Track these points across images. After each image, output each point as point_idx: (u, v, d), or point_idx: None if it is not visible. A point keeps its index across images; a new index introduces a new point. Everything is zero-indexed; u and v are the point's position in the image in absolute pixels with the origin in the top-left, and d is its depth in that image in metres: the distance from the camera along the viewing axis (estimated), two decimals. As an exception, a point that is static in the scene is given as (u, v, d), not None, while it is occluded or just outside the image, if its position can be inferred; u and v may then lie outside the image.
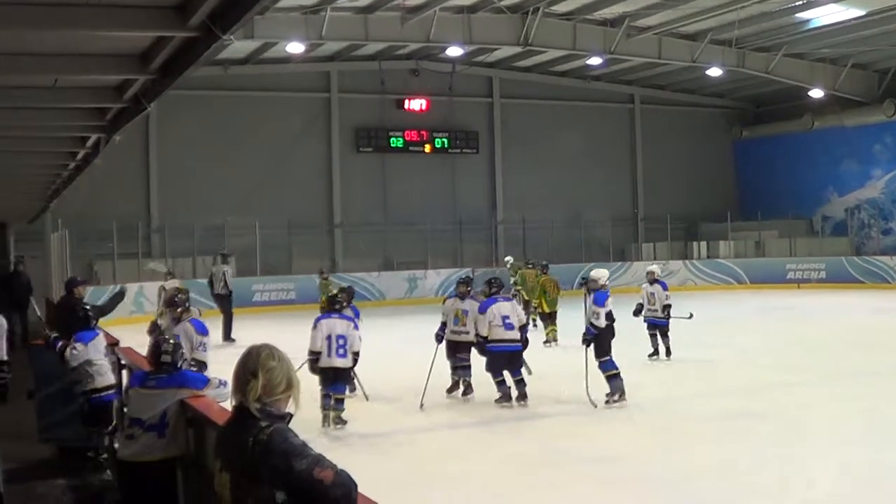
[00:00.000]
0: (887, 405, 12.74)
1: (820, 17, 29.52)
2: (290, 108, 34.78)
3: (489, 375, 13.51)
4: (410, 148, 36.51)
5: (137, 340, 12.53)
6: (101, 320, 14.14)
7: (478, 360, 13.84)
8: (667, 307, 17.25)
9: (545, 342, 19.51)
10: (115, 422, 9.79)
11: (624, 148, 40.75)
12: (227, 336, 21.31)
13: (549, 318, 20.19)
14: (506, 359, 13.35)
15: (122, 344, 10.63)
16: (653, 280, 17.71)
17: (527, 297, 21.51)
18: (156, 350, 6.98)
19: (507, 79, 37.93)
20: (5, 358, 9.40)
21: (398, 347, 18.56)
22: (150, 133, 31.92)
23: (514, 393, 13.28)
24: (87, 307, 10.78)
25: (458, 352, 13.87)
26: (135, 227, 30.97)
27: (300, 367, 9.62)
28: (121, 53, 7.56)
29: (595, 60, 33.17)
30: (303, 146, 34.87)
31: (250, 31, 25.36)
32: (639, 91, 40.49)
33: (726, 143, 42.53)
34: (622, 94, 40.43)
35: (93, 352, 9.75)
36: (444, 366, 13.99)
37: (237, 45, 27.83)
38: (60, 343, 9.90)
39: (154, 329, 11.84)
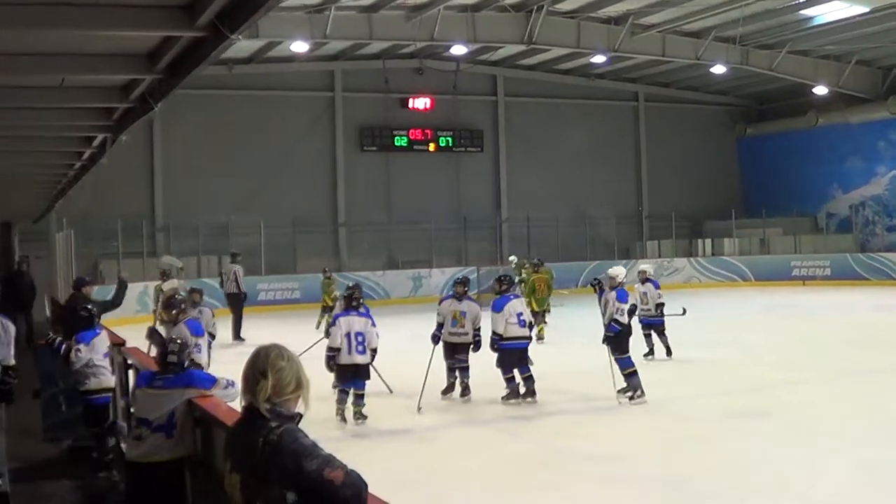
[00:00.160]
0: (891, 403, 12.72)
1: (824, 14, 29.50)
2: (295, 107, 34.79)
3: (486, 376, 13.53)
4: (415, 147, 36.53)
5: (143, 340, 12.58)
6: (111, 316, 14.20)
7: (474, 361, 13.78)
8: (660, 306, 17.15)
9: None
10: (109, 421, 9.81)
11: (628, 146, 40.75)
12: (237, 335, 21.34)
13: (537, 317, 20.16)
14: (517, 356, 13.41)
15: (128, 344, 10.61)
16: (645, 279, 17.51)
17: (536, 309, 21.59)
18: (163, 350, 6.99)
19: (511, 77, 37.93)
20: (13, 363, 9.40)
21: (403, 346, 18.53)
22: (155, 132, 31.93)
23: (522, 390, 13.31)
24: (89, 306, 10.78)
25: (456, 353, 13.76)
26: (139, 227, 31.01)
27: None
28: (128, 53, 7.56)
29: (599, 58, 33.17)
30: (307, 145, 34.88)
31: (255, 31, 25.34)
32: (643, 89, 40.49)
33: (730, 140, 42.52)
34: (626, 91, 40.41)
35: (94, 352, 9.77)
36: (441, 368, 13.90)
37: (241, 45, 27.82)
38: (65, 345, 9.90)
39: (152, 334, 11.86)
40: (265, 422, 3.67)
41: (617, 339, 13.50)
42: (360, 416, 12.32)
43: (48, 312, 21.39)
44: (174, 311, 10.95)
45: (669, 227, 38.41)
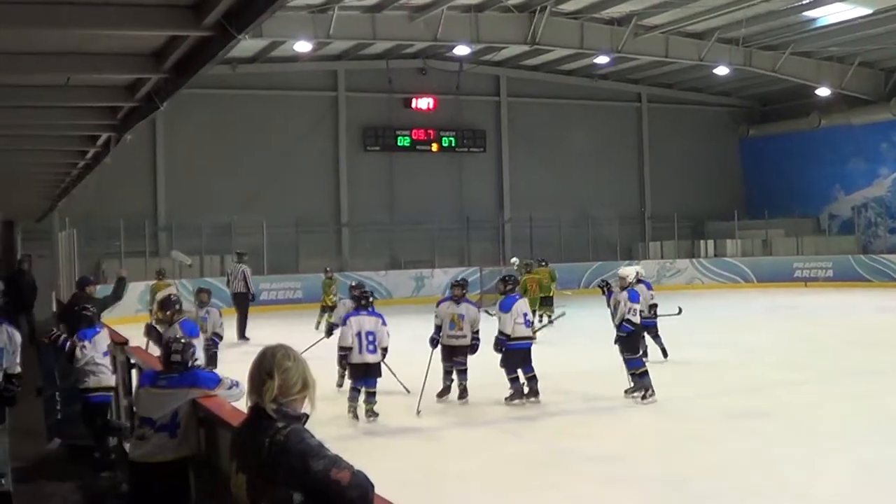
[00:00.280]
0: (892, 403, 12.72)
1: (827, 15, 29.49)
2: (298, 107, 34.77)
3: (489, 377, 13.52)
4: (417, 147, 36.53)
5: (142, 338, 12.58)
6: (112, 315, 14.20)
7: (476, 362, 13.73)
8: (653, 307, 16.98)
9: None
10: (104, 419, 9.81)
11: (631, 146, 40.74)
12: (242, 334, 21.36)
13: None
14: (522, 356, 13.41)
15: (130, 343, 10.62)
16: (636, 280, 17.40)
17: (541, 294, 22.60)
18: (166, 350, 6.99)
19: (514, 77, 37.93)
20: (18, 371, 9.40)
21: (406, 346, 18.46)
22: (158, 131, 31.96)
23: (525, 390, 13.31)
24: (89, 305, 10.80)
25: (454, 355, 13.65)
26: (142, 226, 31.06)
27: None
28: (134, 52, 7.56)
29: (602, 59, 33.15)
30: (310, 145, 34.90)
31: (258, 30, 25.29)
32: (646, 90, 40.50)
33: (733, 141, 42.50)
34: (629, 92, 40.41)
35: (95, 349, 9.78)
36: (439, 370, 13.85)
37: (245, 44, 27.53)
38: (69, 342, 9.91)
39: (150, 331, 11.86)
40: (271, 422, 3.67)
41: (629, 339, 13.53)
42: (371, 413, 12.44)
43: (54, 308, 21.43)
44: (169, 312, 10.93)
45: (672, 227, 38.39)
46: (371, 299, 13.11)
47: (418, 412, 12.77)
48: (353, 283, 16.98)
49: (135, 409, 7.47)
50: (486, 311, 15.42)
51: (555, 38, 29.95)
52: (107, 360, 9.88)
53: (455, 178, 37.10)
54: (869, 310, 26.19)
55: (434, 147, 36.82)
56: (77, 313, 10.59)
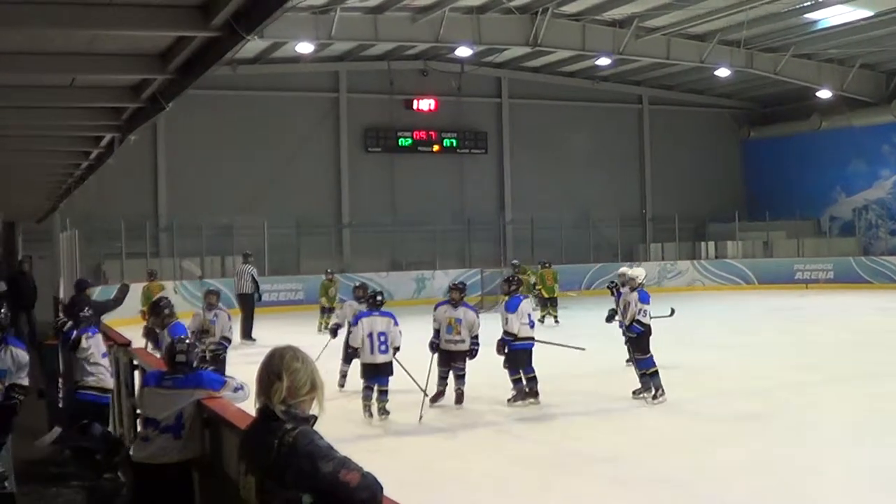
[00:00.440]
0: (894, 405, 12.71)
1: (828, 17, 29.51)
2: (299, 108, 34.77)
3: (491, 378, 13.51)
4: (419, 148, 36.52)
5: (142, 339, 12.59)
6: (114, 317, 14.18)
7: (479, 362, 13.65)
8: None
9: None
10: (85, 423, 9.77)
11: (632, 148, 40.73)
12: (247, 335, 21.32)
13: None
14: (526, 356, 13.42)
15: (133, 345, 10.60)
16: (624, 282, 17.17)
17: (546, 295, 23.34)
18: (171, 350, 6.99)
19: (515, 79, 37.92)
20: (25, 384, 9.36)
21: (407, 347, 18.51)
22: (159, 132, 31.92)
23: (525, 389, 13.32)
24: (86, 308, 10.79)
25: (454, 361, 13.44)
26: (143, 227, 31.02)
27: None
28: (141, 53, 7.54)
29: (604, 61, 33.15)
30: (311, 146, 34.89)
31: (260, 31, 25.32)
32: (647, 91, 40.47)
33: (734, 143, 42.49)
34: (630, 94, 40.41)
35: (97, 347, 9.78)
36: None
37: (247, 45, 27.14)
38: (74, 333, 9.89)
39: (149, 333, 11.84)
40: (280, 424, 3.67)
41: (639, 339, 13.55)
42: (383, 411, 12.52)
43: (62, 300, 21.42)
44: (158, 317, 10.91)
45: (673, 229, 38.35)
46: (381, 299, 13.09)
47: (420, 418, 12.55)
48: (358, 284, 16.99)
49: (139, 409, 7.47)
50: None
51: (556, 39, 29.93)
52: (106, 362, 9.86)
53: (456, 179, 37.09)
54: (870, 311, 26.19)
55: (435, 148, 36.81)
56: (76, 316, 10.59)
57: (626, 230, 38.66)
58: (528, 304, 13.94)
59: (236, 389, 6.73)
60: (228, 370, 12.22)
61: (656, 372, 13.39)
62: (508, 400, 13.32)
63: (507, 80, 37.99)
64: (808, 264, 35.97)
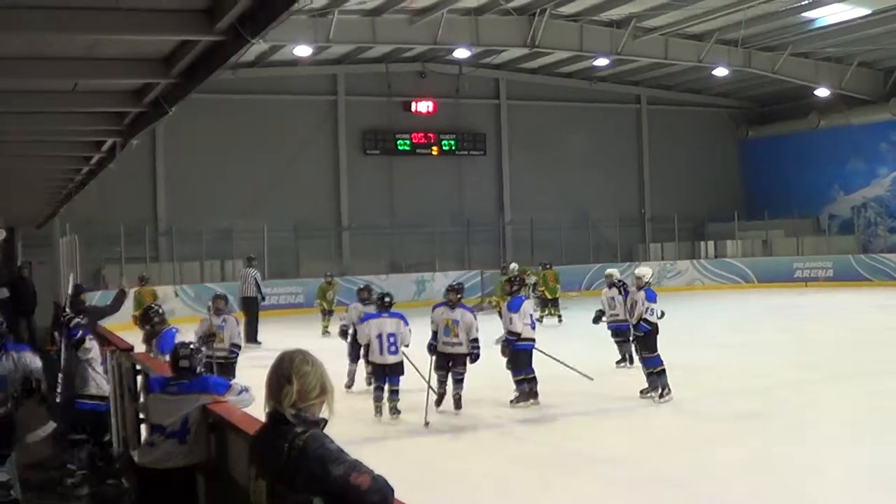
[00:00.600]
0: (894, 403, 12.71)
1: (825, 16, 29.52)
2: (298, 111, 34.76)
3: (491, 379, 13.53)
4: (418, 150, 36.52)
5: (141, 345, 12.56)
6: (115, 322, 14.15)
7: (480, 363, 13.53)
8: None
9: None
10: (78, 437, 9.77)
11: (631, 148, 40.74)
12: (252, 338, 21.24)
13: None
14: (527, 357, 13.44)
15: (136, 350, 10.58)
16: (611, 284, 16.86)
17: (549, 296, 23.50)
18: (174, 356, 6.99)
19: (513, 80, 37.91)
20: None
21: (408, 349, 18.55)
22: (158, 137, 31.84)
23: (525, 390, 13.33)
24: (82, 314, 10.79)
25: (454, 365, 13.21)
26: (142, 232, 31.04)
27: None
28: (144, 57, 7.52)
29: (602, 61, 33.21)
30: (310, 149, 34.87)
31: (265, 34, 25.30)
32: (645, 92, 40.49)
33: (733, 142, 42.51)
34: (629, 94, 40.43)
35: (97, 352, 9.77)
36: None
37: (245, 49, 27.78)
38: (79, 332, 9.88)
39: (149, 339, 11.83)
40: (290, 427, 3.67)
41: (646, 338, 13.57)
42: (394, 410, 12.63)
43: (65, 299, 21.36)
44: (148, 325, 10.87)
45: (672, 229, 38.37)
46: (389, 301, 13.12)
47: (426, 423, 12.31)
48: (362, 287, 17.00)
49: (143, 415, 7.46)
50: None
51: (554, 40, 29.95)
52: (102, 369, 9.84)
53: (455, 181, 37.09)
54: (870, 309, 26.22)
55: (434, 150, 36.81)
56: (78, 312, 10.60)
57: (625, 230, 38.69)
58: (529, 305, 13.96)
59: (241, 393, 6.74)
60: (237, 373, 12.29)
61: (663, 371, 13.38)
62: (511, 401, 13.30)
63: (506, 81, 37.98)
64: (807, 262, 36.00)
